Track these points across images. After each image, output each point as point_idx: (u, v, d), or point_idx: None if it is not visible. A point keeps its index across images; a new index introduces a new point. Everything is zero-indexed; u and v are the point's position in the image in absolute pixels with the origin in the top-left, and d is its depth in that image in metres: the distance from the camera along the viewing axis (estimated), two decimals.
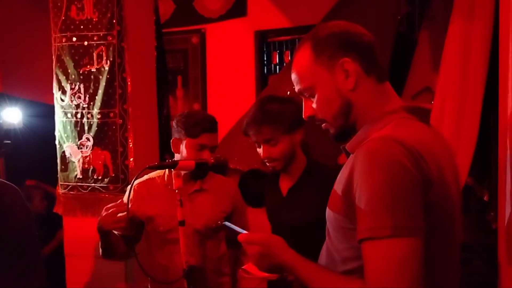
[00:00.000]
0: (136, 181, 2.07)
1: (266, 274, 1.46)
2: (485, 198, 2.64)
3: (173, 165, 1.73)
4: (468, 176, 2.55)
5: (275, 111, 1.85)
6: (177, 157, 2.06)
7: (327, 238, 1.18)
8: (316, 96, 1.18)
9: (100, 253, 2.01)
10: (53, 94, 2.89)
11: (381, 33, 3.24)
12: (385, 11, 3.24)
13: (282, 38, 4.09)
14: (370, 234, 0.98)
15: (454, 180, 1.14)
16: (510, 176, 1.85)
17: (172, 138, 2.07)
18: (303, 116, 1.23)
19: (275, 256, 1.18)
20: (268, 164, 1.94)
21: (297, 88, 1.21)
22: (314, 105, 1.19)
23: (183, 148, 2.01)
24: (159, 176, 2.11)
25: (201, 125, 1.98)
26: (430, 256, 1.01)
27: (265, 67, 4.20)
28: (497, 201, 2.26)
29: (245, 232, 1.30)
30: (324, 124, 1.20)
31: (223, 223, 1.43)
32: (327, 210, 1.16)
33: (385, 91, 1.17)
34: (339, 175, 1.14)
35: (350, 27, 1.17)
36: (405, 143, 1.00)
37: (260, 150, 1.92)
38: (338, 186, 1.10)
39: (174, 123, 2.08)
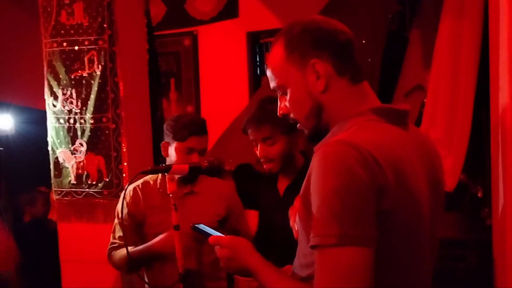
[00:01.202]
0: (131, 186, 2.07)
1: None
2: (479, 194, 2.65)
3: (167, 169, 1.73)
4: (461, 173, 2.57)
5: (276, 111, 1.85)
6: (167, 160, 2.06)
7: (298, 242, 1.14)
8: (288, 95, 1.13)
9: (126, 270, 2.04)
10: (44, 99, 2.87)
11: (372, 32, 3.30)
12: (376, 10, 3.26)
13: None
14: (318, 241, 0.95)
15: (427, 185, 1.08)
16: (503, 172, 1.86)
17: (162, 142, 2.07)
18: (278, 114, 1.19)
19: (240, 259, 1.17)
20: (264, 165, 1.94)
21: (271, 85, 1.16)
22: (287, 104, 1.15)
23: (171, 151, 2.01)
24: (153, 180, 2.11)
25: (188, 128, 1.97)
26: (391, 266, 0.99)
27: (258, 68, 4.21)
28: (491, 198, 2.27)
29: (216, 234, 1.29)
30: (298, 125, 1.16)
31: (194, 225, 1.41)
32: (296, 215, 1.13)
33: (360, 92, 1.11)
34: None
35: (325, 24, 1.11)
36: (359, 147, 0.96)
37: (257, 149, 1.92)
38: (301, 190, 1.06)
39: (164, 127, 2.08)
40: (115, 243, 2.05)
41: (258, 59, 4.20)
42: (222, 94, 4.18)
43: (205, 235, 1.32)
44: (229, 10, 4.12)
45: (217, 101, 4.19)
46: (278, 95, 1.18)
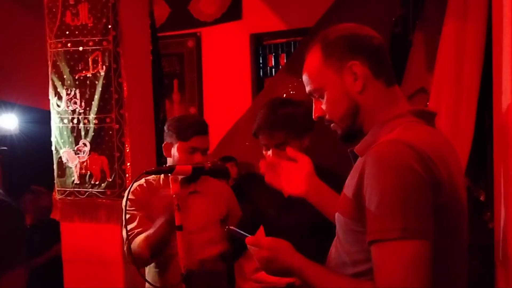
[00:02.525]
0: (136, 184, 2.06)
1: (276, 279, 1.46)
2: (482, 198, 2.65)
3: (170, 170, 1.73)
4: (464, 176, 2.56)
5: (289, 115, 1.84)
6: (169, 161, 2.07)
7: (336, 241, 1.18)
8: (325, 97, 1.19)
9: (150, 254, 1.93)
10: (49, 99, 2.89)
11: None
12: (379, 13, 3.26)
13: (278, 41, 4.11)
14: (379, 236, 0.99)
15: (462, 182, 1.14)
16: (505, 176, 1.86)
17: (164, 143, 2.08)
18: (313, 117, 1.24)
19: (283, 261, 1.18)
20: None
21: (307, 89, 1.22)
22: (323, 106, 1.20)
23: (174, 151, 2.02)
24: (155, 180, 2.12)
25: (192, 128, 1.99)
26: (441, 258, 1.02)
27: (261, 70, 4.22)
28: (493, 201, 2.26)
29: (250, 236, 1.29)
30: (332, 125, 1.21)
31: (229, 228, 1.42)
32: (337, 214, 1.17)
33: (394, 95, 1.16)
34: (348, 179, 1.15)
35: (360, 29, 1.17)
36: (414, 146, 1.01)
37: (268, 153, 1.91)
38: (348, 189, 1.11)
39: (165, 128, 2.09)
40: (131, 233, 1.96)
41: (261, 61, 4.21)
42: (225, 96, 4.19)
43: (241, 236, 1.33)
44: (233, 12, 4.13)
45: (220, 102, 4.20)
46: (314, 99, 1.24)
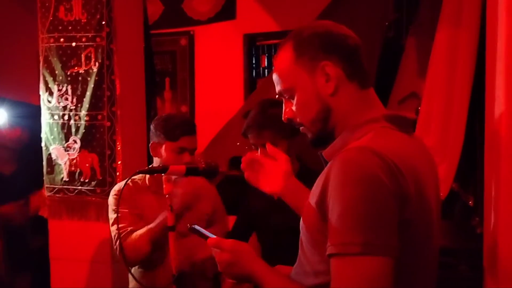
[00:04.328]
0: (123, 182, 2.03)
1: None
2: (470, 203, 2.68)
3: (164, 169, 1.72)
4: (453, 181, 2.59)
5: (278, 115, 1.85)
6: (156, 161, 2.06)
7: (300, 249, 1.12)
8: (295, 99, 1.12)
9: (150, 247, 1.93)
10: (38, 94, 2.85)
11: (369, 38, 3.30)
12: (373, 17, 3.27)
13: (271, 41, 4.10)
14: (339, 249, 0.94)
15: (435, 193, 1.09)
16: (496, 182, 1.88)
17: (151, 142, 2.07)
18: (283, 118, 1.18)
19: (243, 265, 1.14)
20: None
21: (277, 88, 1.16)
22: (293, 108, 1.14)
23: (162, 151, 2.02)
24: (140, 179, 2.11)
25: (180, 128, 1.99)
26: (404, 272, 0.98)
27: (254, 71, 4.21)
28: (482, 206, 2.29)
29: (212, 236, 1.27)
30: (302, 128, 1.16)
31: (192, 226, 1.40)
32: (301, 221, 1.10)
33: (368, 98, 1.11)
34: (314, 186, 1.08)
35: (335, 28, 1.12)
36: (383, 155, 0.95)
37: (257, 153, 1.91)
38: (312, 197, 1.04)
39: (152, 127, 2.07)
40: (124, 231, 1.95)
41: (254, 62, 4.20)
42: (217, 95, 4.18)
43: (203, 236, 1.32)
44: (227, 11, 4.12)
45: (211, 102, 4.18)
46: (284, 100, 1.17)
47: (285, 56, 1.13)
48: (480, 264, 2.19)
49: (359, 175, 0.94)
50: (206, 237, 1.27)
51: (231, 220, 2.33)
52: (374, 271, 0.91)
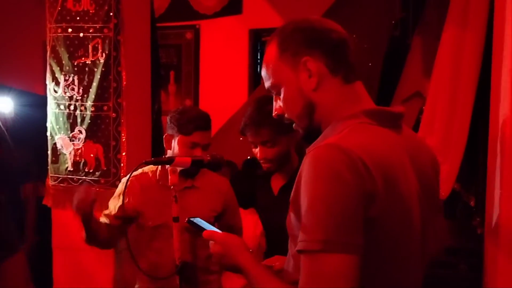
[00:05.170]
0: (133, 174, 2.07)
1: None
2: (472, 203, 2.69)
3: (169, 161, 1.73)
4: (455, 181, 2.60)
5: None
6: (168, 153, 2.07)
7: (289, 243, 1.12)
8: (282, 95, 1.13)
9: (84, 238, 2.01)
10: (43, 84, 2.86)
11: (375, 36, 3.32)
12: (379, 16, 3.28)
13: None
14: (303, 246, 0.94)
15: (421, 190, 1.06)
16: (499, 183, 1.89)
17: (165, 134, 2.07)
18: (273, 114, 1.19)
19: (231, 257, 1.18)
20: (263, 165, 1.95)
21: (266, 85, 1.16)
22: (281, 104, 1.14)
23: (175, 144, 2.01)
24: (151, 171, 2.11)
25: (194, 123, 1.97)
26: (379, 272, 0.98)
27: (258, 66, 4.22)
28: (483, 207, 2.30)
29: (211, 229, 1.30)
30: (294, 125, 1.16)
31: (190, 219, 1.41)
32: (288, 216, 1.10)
33: (353, 92, 1.10)
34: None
35: (318, 23, 1.11)
36: (349, 152, 0.94)
37: (256, 150, 1.92)
38: (291, 194, 1.04)
39: (168, 119, 2.07)
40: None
41: (259, 57, 4.21)
42: (221, 90, 4.18)
43: (199, 229, 1.33)
44: (233, 6, 4.13)
45: (216, 96, 4.19)
46: (273, 95, 1.18)
47: (270, 52, 1.13)
48: (479, 263, 2.20)
49: (323, 172, 0.94)
50: (203, 230, 1.29)
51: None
52: (335, 269, 0.91)
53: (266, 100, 1.91)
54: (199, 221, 1.41)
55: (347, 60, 1.10)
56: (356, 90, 1.11)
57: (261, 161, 1.94)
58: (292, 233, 1.05)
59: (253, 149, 1.95)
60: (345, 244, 0.91)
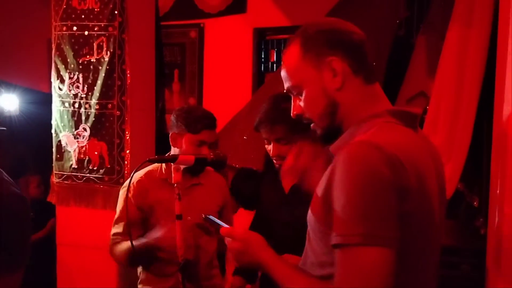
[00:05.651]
0: (136, 174, 2.07)
1: None
2: (475, 204, 2.68)
3: (173, 159, 1.74)
4: (459, 181, 2.60)
5: (290, 110, 1.86)
6: (174, 151, 2.08)
7: (307, 240, 1.15)
8: (303, 95, 1.15)
9: (128, 264, 2.06)
10: (48, 82, 2.88)
11: (379, 35, 3.31)
12: (384, 15, 3.27)
13: (281, 36, 4.10)
14: (342, 240, 0.96)
15: (439, 189, 1.10)
16: (503, 184, 1.89)
17: (171, 133, 2.08)
18: (292, 115, 1.21)
19: (253, 254, 1.18)
20: (275, 162, 1.95)
21: (286, 85, 1.18)
22: (301, 104, 1.16)
23: (182, 143, 2.03)
24: (156, 170, 2.13)
25: (202, 121, 2.01)
26: (407, 266, 1.00)
27: (262, 65, 4.21)
28: (486, 207, 2.30)
29: (225, 226, 1.30)
30: (312, 125, 1.18)
31: (206, 216, 1.42)
32: (309, 212, 1.13)
33: (373, 93, 1.13)
34: (322, 178, 1.09)
35: (340, 24, 1.14)
36: (385, 149, 0.97)
37: (269, 147, 1.93)
38: (319, 189, 1.07)
39: (173, 118, 2.08)
40: (117, 237, 2.02)
41: (263, 56, 4.20)
42: (225, 89, 4.18)
43: (216, 226, 1.34)
44: (238, 5, 4.12)
45: (219, 95, 4.19)
46: (292, 96, 1.20)
47: (292, 53, 1.15)
48: (482, 264, 2.20)
49: (360, 168, 0.96)
50: (219, 227, 1.30)
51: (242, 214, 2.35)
52: (375, 262, 0.93)
53: (282, 98, 1.91)
54: (213, 218, 1.42)
55: (367, 61, 1.13)
56: (376, 90, 1.14)
57: (274, 158, 1.94)
58: (319, 228, 1.07)
59: (266, 146, 1.95)
60: (384, 237, 0.94)
